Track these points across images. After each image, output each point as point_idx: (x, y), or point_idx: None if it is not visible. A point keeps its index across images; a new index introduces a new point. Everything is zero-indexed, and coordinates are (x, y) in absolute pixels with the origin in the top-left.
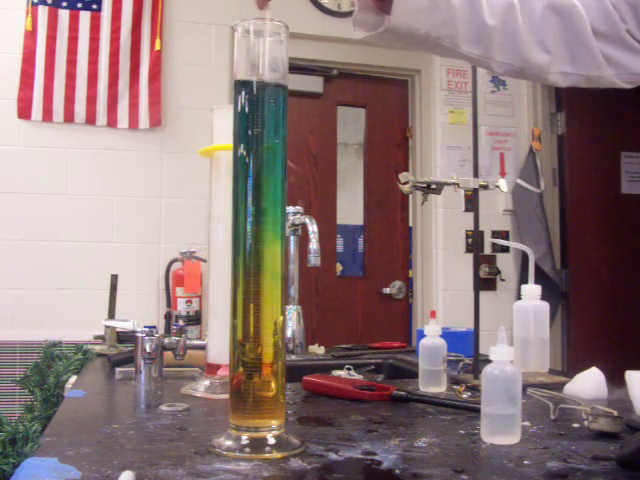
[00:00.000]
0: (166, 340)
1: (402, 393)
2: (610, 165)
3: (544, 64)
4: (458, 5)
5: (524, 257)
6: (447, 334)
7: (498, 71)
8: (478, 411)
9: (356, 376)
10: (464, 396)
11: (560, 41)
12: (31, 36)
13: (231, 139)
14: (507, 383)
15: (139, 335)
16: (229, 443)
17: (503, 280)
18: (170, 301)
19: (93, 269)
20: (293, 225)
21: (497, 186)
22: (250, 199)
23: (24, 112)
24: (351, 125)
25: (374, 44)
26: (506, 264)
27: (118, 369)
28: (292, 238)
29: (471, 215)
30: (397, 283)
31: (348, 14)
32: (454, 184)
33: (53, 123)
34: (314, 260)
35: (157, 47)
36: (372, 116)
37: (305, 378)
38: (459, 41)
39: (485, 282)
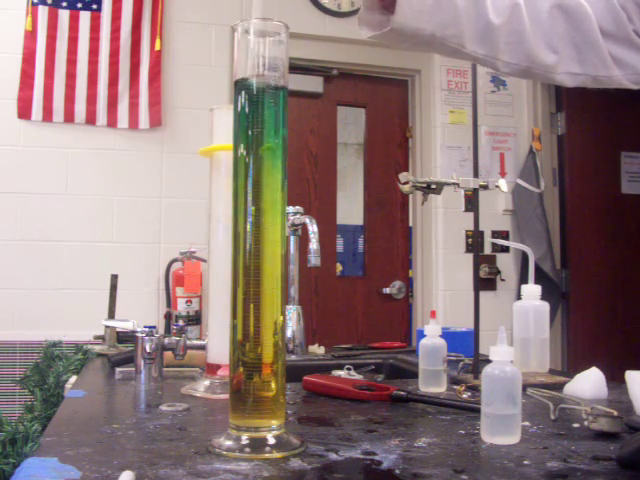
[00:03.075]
0: (166, 340)
1: (402, 393)
2: (610, 165)
3: (551, 64)
4: (462, 5)
5: (524, 257)
6: (447, 334)
7: (504, 71)
8: (478, 411)
9: (356, 376)
10: (464, 396)
11: (567, 41)
12: (31, 36)
13: (231, 139)
14: (507, 383)
15: (139, 335)
16: (229, 443)
17: (503, 280)
18: (170, 301)
19: (93, 269)
20: (293, 225)
21: (497, 186)
22: (250, 199)
23: (24, 112)
24: (351, 125)
25: (374, 44)
26: (506, 264)
27: (118, 369)
28: (292, 238)
29: (471, 215)
30: (397, 283)
31: (348, 14)
32: (454, 184)
33: (53, 123)
34: (314, 260)
35: (157, 47)
36: (372, 116)
37: (305, 378)
38: (464, 41)
39: (485, 282)
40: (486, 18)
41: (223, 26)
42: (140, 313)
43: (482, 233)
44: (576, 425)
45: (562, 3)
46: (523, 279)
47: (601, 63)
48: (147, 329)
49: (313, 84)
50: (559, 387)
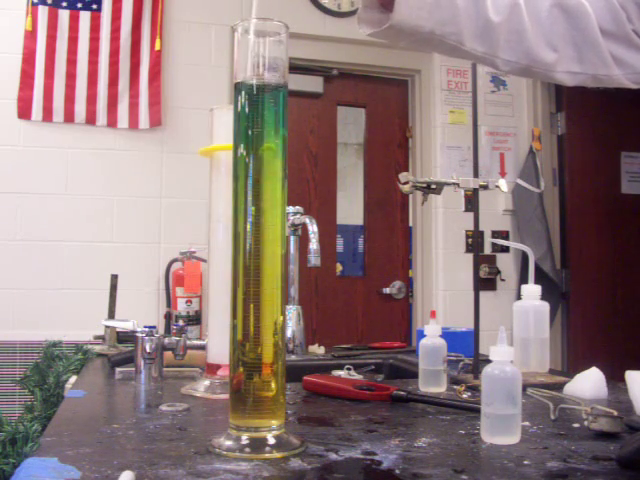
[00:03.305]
0: (166, 340)
1: (402, 393)
2: (610, 165)
3: (551, 62)
4: (461, 3)
5: (524, 257)
6: (447, 334)
7: (504, 69)
8: (478, 411)
9: (356, 376)
10: (464, 396)
11: (567, 39)
12: (31, 36)
13: (231, 139)
14: (507, 383)
15: (139, 335)
16: (229, 443)
17: (503, 280)
18: (170, 301)
19: (93, 269)
20: (293, 225)
21: (497, 186)
22: (250, 199)
23: (24, 112)
24: (351, 125)
25: (374, 44)
26: (506, 264)
27: (118, 369)
28: (292, 238)
29: (471, 215)
30: (397, 283)
31: (348, 14)
32: (454, 184)
33: (53, 123)
34: (314, 260)
35: (157, 47)
36: (372, 116)
37: (305, 378)
38: (463, 38)
39: (485, 282)
40: (485, 16)
41: (223, 26)
42: (140, 313)
43: (482, 233)
44: (576, 425)
45: (562, 2)
46: (523, 279)
47: (601, 62)
48: (147, 329)
49: (313, 84)
50: (559, 387)
